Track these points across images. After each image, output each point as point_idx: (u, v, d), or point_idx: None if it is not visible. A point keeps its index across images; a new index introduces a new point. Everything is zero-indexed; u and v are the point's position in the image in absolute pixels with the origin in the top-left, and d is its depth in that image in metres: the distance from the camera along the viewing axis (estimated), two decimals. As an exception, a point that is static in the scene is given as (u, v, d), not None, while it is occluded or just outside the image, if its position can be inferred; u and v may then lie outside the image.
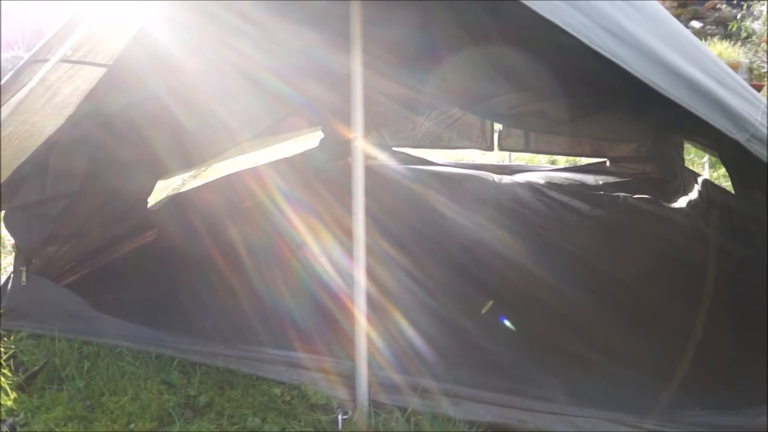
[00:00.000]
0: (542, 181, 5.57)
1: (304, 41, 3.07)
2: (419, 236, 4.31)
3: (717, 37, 11.03)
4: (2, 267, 4.01)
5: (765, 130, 1.83)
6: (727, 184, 4.85)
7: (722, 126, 1.79)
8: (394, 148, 6.47)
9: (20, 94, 2.51)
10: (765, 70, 9.25)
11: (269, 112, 3.85)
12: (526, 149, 6.32)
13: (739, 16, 10.91)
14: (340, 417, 2.38)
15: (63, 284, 3.25)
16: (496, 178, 5.78)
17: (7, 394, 2.53)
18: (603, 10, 1.84)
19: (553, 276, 3.53)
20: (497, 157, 6.94)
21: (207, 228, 4.16)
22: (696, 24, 11.80)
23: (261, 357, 2.70)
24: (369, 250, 2.44)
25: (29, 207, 3.10)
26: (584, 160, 6.49)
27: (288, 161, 5.58)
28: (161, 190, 4.87)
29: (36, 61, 2.48)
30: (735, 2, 11.85)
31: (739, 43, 10.39)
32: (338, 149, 5.58)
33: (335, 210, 4.11)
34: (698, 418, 2.25)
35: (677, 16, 10.67)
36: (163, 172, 4.06)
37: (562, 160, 7.09)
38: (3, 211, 3.20)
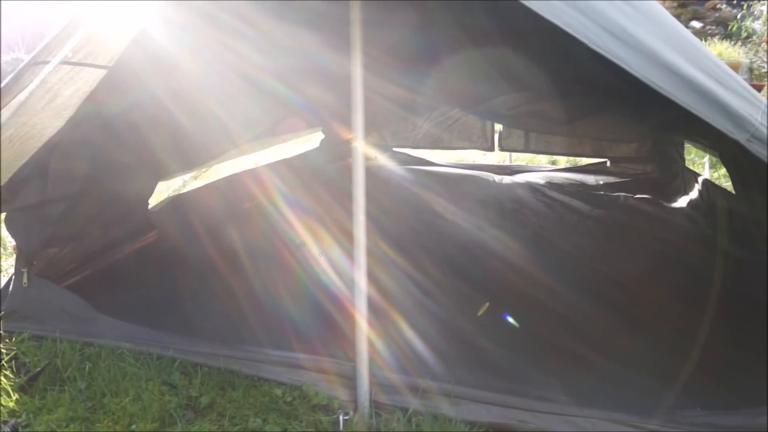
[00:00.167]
0: (543, 182, 5.58)
1: (302, 43, 3.08)
2: (419, 237, 4.31)
3: (717, 37, 11.03)
4: (3, 269, 4.01)
5: (765, 130, 1.83)
6: (727, 184, 4.85)
7: (722, 126, 1.80)
8: (395, 149, 6.48)
9: (21, 96, 2.52)
10: (765, 70, 9.25)
11: (268, 113, 3.86)
12: (527, 149, 6.33)
13: (739, 16, 10.91)
14: (341, 418, 2.38)
15: (64, 286, 3.26)
16: (497, 178, 5.79)
17: (8, 396, 2.53)
18: (603, 10, 1.85)
19: (553, 276, 3.54)
20: (498, 157, 6.94)
21: (207, 229, 4.16)
22: (696, 24, 11.80)
23: (262, 358, 2.70)
24: (369, 251, 2.44)
25: (30, 209, 3.10)
26: (585, 161, 6.50)
27: (287, 162, 5.58)
28: (162, 191, 4.87)
29: (36, 63, 2.49)
30: (735, 2, 11.85)
31: (740, 43, 10.39)
32: (337, 150, 5.59)
33: (335, 211, 4.11)
34: (699, 418, 2.24)
35: (677, 17, 10.68)
36: (164, 174, 4.07)
37: (563, 161, 7.09)
38: (4, 213, 3.20)
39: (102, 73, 2.89)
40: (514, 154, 6.79)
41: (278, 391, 2.53)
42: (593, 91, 3.00)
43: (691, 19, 11.91)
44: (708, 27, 11.69)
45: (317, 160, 5.72)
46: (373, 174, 5.55)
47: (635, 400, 2.46)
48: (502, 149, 6.39)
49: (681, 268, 3.69)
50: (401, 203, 4.91)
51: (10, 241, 4.18)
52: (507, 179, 5.75)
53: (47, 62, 2.46)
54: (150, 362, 2.72)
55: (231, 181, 5.05)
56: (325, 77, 3.55)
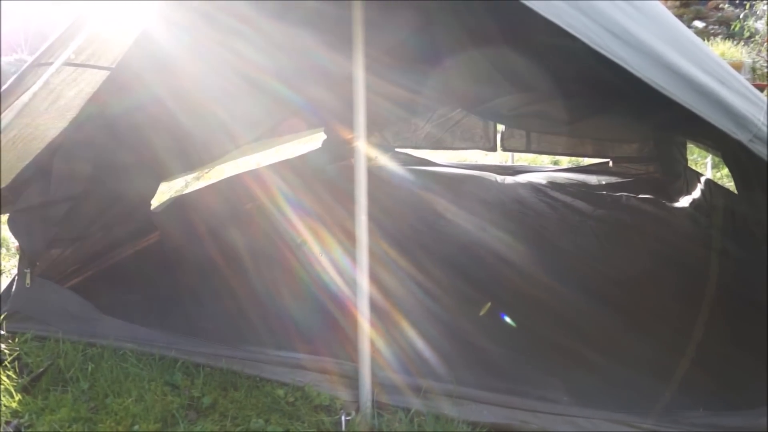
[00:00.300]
0: (545, 182, 5.58)
1: (304, 43, 3.08)
2: (421, 237, 4.31)
3: (720, 36, 11.02)
4: (6, 269, 4.02)
5: (767, 131, 1.83)
6: (730, 184, 4.84)
7: (725, 126, 1.79)
8: (397, 149, 6.48)
9: (24, 98, 2.52)
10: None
11: (270, 114, 3.86)
12: (529, 150, 6.32)
13: (741, 16, 10.90)
14: (343, 418, 2.38)
15: (67, 286, 3.26)
16: (499, 178, 5.79)
17: (11, 396, 2.54)
18: (604, 10, 1.84)
19: (555, 277, 3.53)
20: (500, 157, 6.94)
21: (209, 230, 4.17)
22: (699, 24, 11.79)
23: (264, 358, 2.70)
24: (371, 251, 2.44)
25: (33, 210, 3.11)
26: (587, 161, 6.50)
27: (289, 163, 5.59)
28: (164, 192, 4.88)
29: (39, 64, 2.49)
30: (738, 2, 11.84)
31: (742, 43, 10.38)
32: (339, 151, 5.59)
33: (336, 211, 4.11)
34: (700, 418, 2.24)
35: (680, 16, 10.67)
36: (166, 175, 4.07)
37: (565, 161, 7.09)
38: (7, 214, 3.21)
39: (105, 74, 2.90)
40: (516, 155, 6.78)
41: (280, 392, 2.53)
42: (595, 92, 3.00)
43: (693, 19, 11.91)
44: (710, 27, 11.68)
45: (319, 160, 5.73)
46: (374, 174, 5.55)
47: (637, 400, 2.45)
48: (504, 149, 6.39)
49: (683, 268, 3.69)
50: (403, 203, 4.91)
51: (13, 242, 4.20)
52: (509, 179, 5.75)
53: (50, 64, 2.47)
54: (152, 363, 2.73)
55: (233, 182, 5.06)
56: (327, 78, 3.55)
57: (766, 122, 1.86)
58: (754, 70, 9.22)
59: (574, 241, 4.30)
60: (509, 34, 2.84)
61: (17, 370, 2.70)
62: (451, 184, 5.56)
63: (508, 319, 3.12)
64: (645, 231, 4.43)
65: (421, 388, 2.46)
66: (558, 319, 3.13)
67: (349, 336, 2.69)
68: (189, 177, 5.26)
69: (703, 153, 6.19)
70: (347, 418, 2.38)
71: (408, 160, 6.34)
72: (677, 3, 12.00)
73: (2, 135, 2.62)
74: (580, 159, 6.74)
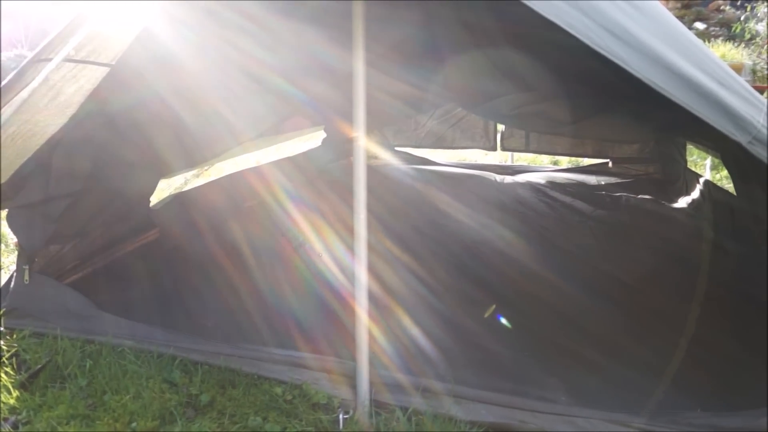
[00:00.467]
0: (544, 182, 5.57)
1: (307, 40, 3.07)
2: (421, 236, 4.31)
3: (720, 38, 11.02)
4: (5, 266, 4.02)
5: (766, 132, 1.83)
6: (729, 186, 4.84)
7: (724, 128, 1.79)
8: (397, 148, 6.47)
9: (23, 93, 2.52)
10: (768, 71, 9.25)
11: (272, 111, 3.86)
12: (529, 149, 6.31)
13: (742, 18, 10.91)
14: (341, 416, 2.38)
15: (66, 283, 3.26)
16: (498, 178, 5.78)
17: (9, 393, 2.54)
18: (605, 11, 1.84)
19: (555, 276, 3.53)
20: (500, 157, 6.94)
21: (209, 227, 4.17)
22: (700, 25, 11.79)
23: (262, 356, 2.71)
24: (371, 249, 2.45)
25: (32, 206, 3.11)
26: (587, 161, 6.49)
27: (290, 160, 5.58)
28: (164, 189, 4.88)
29: (39, 60, 2.49)
30: (739, 4, 11.84)
31: (743, 45, 10.38)
32: (341, 148, 5.58)
33: (338, 209, 4.11)
34: (699, 419, 2.25)
35: (681, 18, 10.67)
36: (166, 172, 4.07)
37: (565, 161, 7.09)
38: (6, 210, 3.20)
39: (105, 71, 2.89)
40: (516, 154, 6.78)
41: (278, 390, 2.53)
42: (595, 92, 2.99)
43: (694, 20, 11.90)
44: (711, 28, 11.68)
45: (320, 158, 5.72)
46: (375, 172, 5.55)
47: (636, 400, 2.45)
48: (504, 149, 6.38)
49: (682, 268, 3.69)
50: (403, 201, 4.91)
51: (12, 238, 4.19)
52: (509, 179, 5.75)
53: (50, 59, 2.47)
54: (151, 360, 2.73)
55: (233, 179, 5.05)
56: (330, 74, 3.55)
57: (765, 124, 1.86)
58: (754, 72, 9.22)
59: (574, 241, 4.30)
60: (510, 34, 2.83)
61: (15, 367, 2.70)
62: (451, 184, 5.55)
63: (504, 321, 3.11)
64: (644, 231, 4.42)
65: (420, 387, 2.47)
66: (557, 318, 3.13)
67: (348, 333, 2.69)
68: (188, 174, 5.26)
69: (703, 154, 6.19)
70: (345, 416, 2.38)
71: (408, 159, 6.34)
72: (678, 4, 12.00)
73: (2, 131, 2.62)
74: (580, 159, 6.73)
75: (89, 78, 2.88)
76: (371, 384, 2.44)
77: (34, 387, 2.59)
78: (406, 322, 3.02)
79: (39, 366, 2.69)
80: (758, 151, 1.81)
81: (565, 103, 3.13)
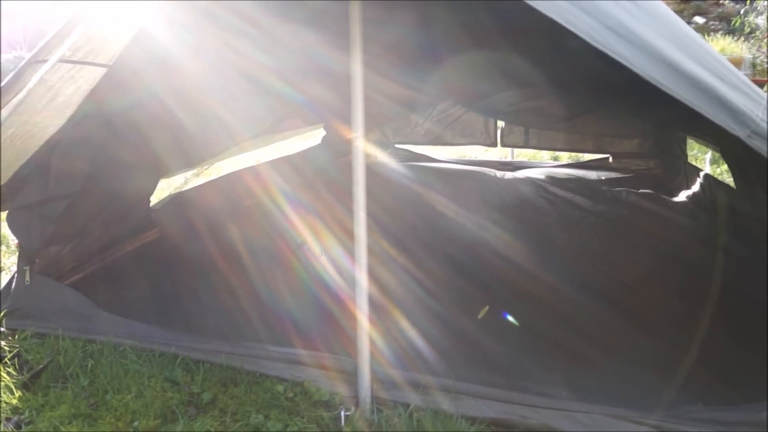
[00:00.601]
0: (545, 178, 5.56)
1: (304, 41, 3.07)
2: (420, 234, 4.30)
3: (720, 32, 11.00)
4: (6, 267, 4.03)
5: (766, 126, 1.83)
6: (729, 180, 4.84)
7: (723, 122, 1.79)
8: (397, 145, 6.47)
9: (21, 95, 2.52)
10: (768, 65, 9.24)
11: (269, 112, 3.86)
12: (529, 145, 6.31)
13: (742, 12, 10.89)
14: (342, 413, 2.39)
15: (66, 283, 3.27)
16: (499, 174, 5.77)
17: (11, 393, 2.54)
18: (603, 7, 1.85)
19: (555, 273, 3.53)
20: (499, 153, 6.93)
21: (208, 227, 4.17)
22: (699, 20, 11.77)
23: (264, 354, 2.71)
24: (369, 249, 2.45)
25: (31, 207, 3.11)
26: (587, 157, 6.48)
27: (289, 160, 5.58)
28: (164, 189, 4.88)
29: (37, 61, 2.49)
30: (738, -3, 11.83)
31: (743, 39, 10.36)
32: (339, 149, 5.58)
33: (336, 209, 4.11)
34: (700, 414, 2.25)
35: (680, 12, 10.65)
36: (164, 172, 4.07)
37: (565, 157, 7.08)
38: (5, 212, 3.21)
39: (102, 71, 2.89)
40: (516, 150, 6.77)
41: (280, 388, 2.54)
42: (594, 88, 3.00)
43: (693, 15, 11.88)
44: (711, 22, 11.66)
45: (319, 157, 5.72)
46: (374, 172, 5.54)
47: (636, 395, 2.46)
48: (504, 145, 6.37)
49: (683, 264, 3.68)
50: (402, 201, 4.90)
51: (12, 239, 4.20)
52: (509, 175, 5.74)
53: (47, 61, 2.47)
54: (152, 359, 2.73)
55: (232, 179, 5.05)
56: (327, 76, 3.54)
57: (764, 118, 1.86)
58: (754, 65, 9.21)
59: (574, 236, 4.30)
60: (508, 31, 2.83)
61: (17, 367, 2.71)
62: (451, 180, 5.54)
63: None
64: (645, 227, 4.41)
65: (420, 384, 2.47)
66: (558, 315, 3.13)
67: (348, 332, 2.69)
68: (188, 174, 5.26)
69: (703, 148, 6.18)
70: (346, 413, 2.39)
71: (408, 156, 6.33)
72: (677, -1, 11.98)
73: (1, 133, 2.62)
74: (580, 155, 6.72)
75: (87, 79, 2.88)
76: (372, 381, 2.44)
77: (37, 387, 2.60)
78: (406, 320, 3.02)
79: (41, 366, 2.69)
80: (757, 144, 1.81)
81: (562, 100, 3.13)
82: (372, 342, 2.50)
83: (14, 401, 2.51)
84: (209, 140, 3.65)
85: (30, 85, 2.51)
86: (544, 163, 6.57)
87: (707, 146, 4.95)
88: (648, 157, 5.75)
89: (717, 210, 4.19)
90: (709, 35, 10.68)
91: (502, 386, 2.48)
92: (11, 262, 4.04)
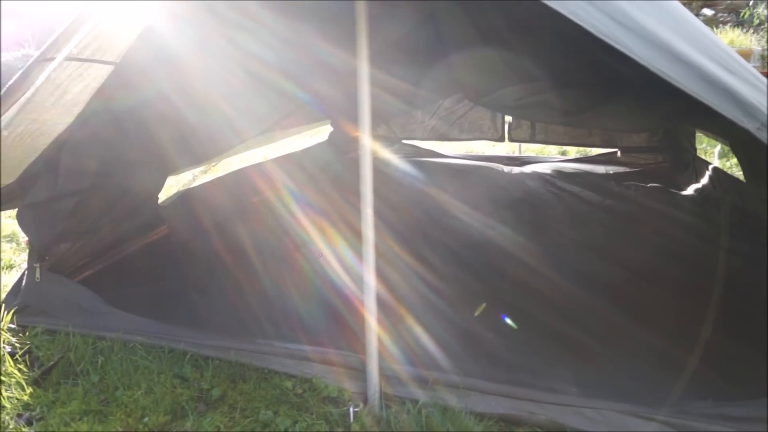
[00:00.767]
0: (553, 172, 5.55)
1: (309, 38, 3.07)
2: (427, 230, 4.31)
3: (729, 24, 10.92)
4: (17, 264, 4.05)
5: (775, 119, 1.81)
6: (739, 173, 4.81)
7: (732, 115, 1.78)
8: (404, 141, 6.46)
9: (29, 93, 2.54)
10: (778, 57, 9.15)
11: (275, 109, 3.87)
12: (537, 140, 6.29)
13: (751, 3, 10.78)
14: (351, 410, 2.39)
15: (76, 280, 3.29)
16: (506, 169, 5.76)
17: (23, 389, 2.56)
18: (610, -1, 1.83)
19: (563, 268, 3.52)
20: (507, 148, 6.92)
21: (216, 224, 4.18)
22: (708, 11, 11.68)
23: (272, 351, 2.72)
24: (376, 246, 2.44)
25: (41, 205, 3.13)
26: (595, 151, 6.46)
27: (296, 157, 5.59)
28: (172, 186, 4.89)
29: (45, 59, 2.50)
30: (747, -11, 11.71)
31: (752, 31, 10.28)
32: (344, 146, 5.59)
33: (342, 206, 4.11)
34: (710, 409, 2.24)
35: (688, 4, 10.56)
36: (172, 169, 4.09)
37: (573, 151, 7.05)
38: (16, 209, 3.23)
39: (110, 69, 2.90)
40: (524, 145, 6.76)
41: (288, 384, 2.54)
42: (601, 82, 2.97)
43: (702, 7, 11.79)
44: (719, 14, 11.57)
45: (325, 154, 5.72)
46: (379, 169, 5.54)
47: (645, 391, 2.45)
48: (511, 140, 6.36)
49: (691, 260, 3.66)
50: (409, 198, 4.90)
51: (23, 237, 4.23)
52: (516, 170, 5.73)
53: (55, 59, 2.48)
54: (162, 355, 2.75)
55: (239, 176, 5.07)
56: (332, 73, 3.54)
57: (774, 110, 1.84)
58: (763, 57, 9.12)
59: (582, 231, 4.29)
60: (514, 25, 2.82)
61: (28, 364, 2.73)
62: (458, 176, 5.54)
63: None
64: (654, 222, 4.40)
65: (429, 381, 2.47)
66: (566, 310, 3.12)
67: (355, 330, 2.69)
68: (196, 170, 5.28)
69: (712, 142, 6.14)
70: (355, 409, 2.39)
71: (415, 152, 6.33)
72: (686, -10, 11.89)
73: (10, 130, 2.64)
74: (588, 149, 6.70)
75: (95, 76, 2.89)
76: (380, 378, 2.45)
77: (47, 383, 2.62)
78: (414, 317, 3.02)
79: (51, 363, 2.71)
80: (766, 137, 1.79)
81: (570, 93, 3.11)
82: (380, 339, 2.50)
83: (25, 398, 2.53)
84: (216, 137, 3.66)
85: (38, 83, 2.53)
86: (552, 158, 6.55)
87: (716, 140, 4.92)
88: (656, 151, 5.73)
89: (725, 204, 4.17)
90: (717, 27, 10.60)
91: (509, 382, 2.48)
92: (22, 260, 4.07)
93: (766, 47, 9.47)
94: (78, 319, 2.98)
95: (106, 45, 2.73)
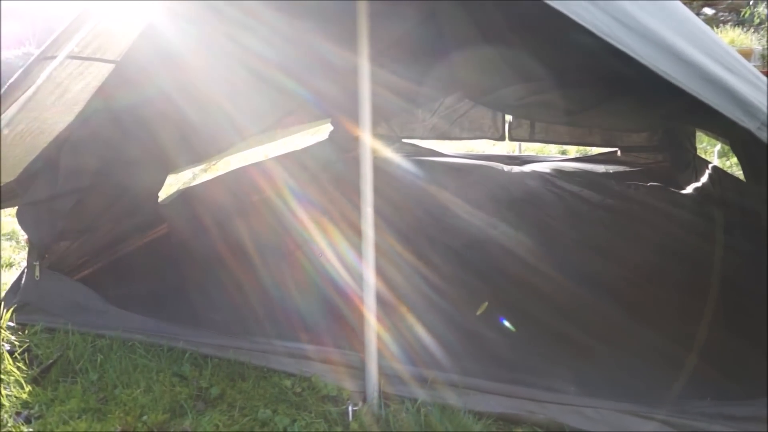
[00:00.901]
0: (553, 172, 5.54)
1: (310, 36, 3.07)
2: (427, 229, 4.30)
3: (729, 23, 10.91)
4: (16, 262, 4.05)
5: (776, 118, 1.80)
6: (739, 173, 4.80)
7: (733, 114, 1.77)
8: (404, 140, 6.46)
9: (30, 91, 2.53)
10: (778, 56, 9.15)
11: (275, 107, 3.86)
12: (537, 139, 6.28)
13: (751, 2, 10.78)
14: (350, 408, 2.39)
15: (76, 278, 3.29)
16: (506, 168, 5.76)
17: (21, 387, 2.56)
18: (611, -2, 1.83)
19: (562, 268, 3.52)
20: (507, 147, 6.91)
21: (216, 222, 4.18)
22: (708, 11, 11.67)
23: (271, 349, 2.72)
24: (376, 244, 2.44)
25: (41, 203, 3.13)
26: (595, 150, 6.45)
27: (296, 155, 5.58)
28: (172, 184, 4.89)
29: (46, 58, 2.50)
30: (748, -12, 11.71)
31: (752, 30, 10.27)
32: (345, 144, 5.58)
33: (343, 204, 4.11)
34: (709, 408, 2.23)
35: (689, 3, 10.56)
36: (172, 168, 4.08)
37: (573, 150, 7.05)
38: (15, 207, 3.23)
39: (111, 67, 2.90)
40: (524, 144, 6.75)
41: (287, 383, 2.54)
42: (602, 81, 2.97)
43: (702, 6, 11.79)
44: (720, 13, 11.56)
45: (326, 153, 5.71)
46: (380, 168, 5.54)
47: (644, 390, 2.45)
48: (512, 139, 6.35)
49: (690, 259, 3.66)
50: (409, 196, 4.90)
51: (22, 235, 4.23)
52: (516, 169, 5.72)
53: (56, 57, 2.48)
54: (161, 354, 2.75)
55: (239, 175, 5.06)
56: (333, 71, 3.54)
57: (774, 110, 1.83)
58: (764, 56, 9.12)
59: (582, 231, 4.28)
60: (516, 24, 2.82)
61: (27, 362, 2.73)
62: (458, 175, 5.54)
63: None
64: (654, 221, 4.39)
65: (428, 379, 2.47)
66: (565, 310, 3.12)
67: (355, 328, 2.69)
68: (196, 169, 5.27)
69: (712, 142, 6.14)
70: (354, 408, 2.39)
71: (415, 151, 6.32)
72: (686, -10, 11.87)
73: (11, 129, 2.64)
74: (589, 148, 6.69)
75: (95, 75, 2.89)
76: (379, 376, 2.45)
77: (46, 382, 2.62)
78: (413, 315, 3.02)
79: (50, 361, 2.71)
80: (767, 137, 1.78)
81: (571, 93, 3.11)
82: (379, 337, 2.50)
83: (24, 396, 2.53)
84: (216, 135, 3.65)
85: (39, 81, 2.53)
86: (552, 157, 6.54)
87: (716, 139, 4.91)
88: (657, 150, 5.71)
89: (725, 203, 4.17)
90: (718, 26, 10.59)
91: (509, 381, 2.48)
92: (21, 258, 4.07)
93: (766, 46, 9.46)
94: (77, 317, 2.98)
95: (107, 43, 2.72)
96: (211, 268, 3.64)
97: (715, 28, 10.17)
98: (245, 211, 4.57)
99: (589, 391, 2.43)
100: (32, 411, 2.45)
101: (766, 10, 10.45)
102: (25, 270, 3.18)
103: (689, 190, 4.88)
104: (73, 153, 3.10)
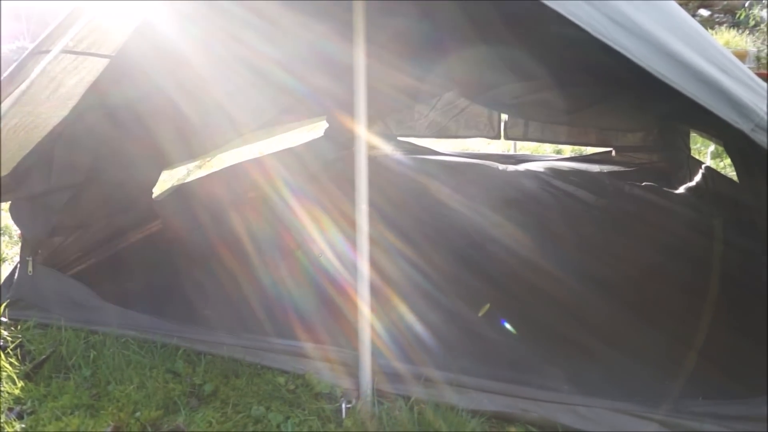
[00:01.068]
0: (547, 171, 5.55)
1: (308, 32, 3.06)
2: (423, 226, 4.31)
3: (725, 25, 10.95)
4: (9, 257, 4.03)
5: (770, 120, 1.81)
6: (733, 174, 4.82)
7: (727, 116, 1.78)
8: (399, 138, 6.46)
9: (24, 86, 2.52)
10: (773, 59, 9.19)
11: (273, 103, 3.85)
12: (530, 138, 6.29)
13: (747, 4, 10.82)
14: (343, 405, 2.39)
15: (69, 274, 3.27)
16: (501, 167, 5.76)
17: (14, 383, 2.55)
18: (607, -1, 1.83)
19: (557, 266, 3.53)
20: (502, 146, 6.92)
21: (211, 218, 4.17)
22: (704, 12, 11.71)
23: (265, 346, 2.71)
24: (373, 240, 2.45)
25: (34, 198, 3.11)
26: (590, 150, 6.47)
27: (292, 152, 5.58)
28: (166, 181, 4.88)
29: (40, 52, 2.49)
30: (743, -10, 11.75)
31: (747, 32, 10.31)
32: (343, 139, 5.58)
33: (339, 201, 4.11)
34: (701, 407, 2.24)
35: (685, 4, 10.59)
36: (167, 163, 4.07)
37: (568, 150, 7.06)
38: (9, 202, 3.21)
39: (105, 62, 2.89)
40: (519, 143, 6.76)
41: (281, 380, 2.54)
42: (597, 81, 2.98)
43: (698, 7, 11.82)
44: (716, 15, 11.60)
45: (322, 149, 5.71)
46: (377, 163, 5.55)
47: (638, 389, 2.46)
48: (507, 138, 6.36)
49: (686, 258, 3.68)
50: (405, 193, 4.91)
51: (15, 230, 4.21)
52: (511, 168, 5.73)
53: (50, 51, 2.46)
54: (154, 350, 2.74)
55: (235, 170, 5.05)
56: (332, 66, 3.54)
57: (768, 111, 1.84)
58: (758, 58, 9.17)
59: (577, 230, 4.29)
60: (513, 23, 2.82)
61: (19, 358, 2.72)
62: (453, 173, 5.54)
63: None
64: (648, 220, 4.41)
65: (422, 377, 2.47)
66: (561, 308, 3.13)
67: (350, 324, 2.69)
68: (191, 165, 5.26)
69: (706, 142, 6.16)
70: (348, 405, 2.39)
71: (410, 149, 6.32)
72: (682, -9, 11.91)
73: (4, 123, 2.62)
74: (583, 148, 6.71)
75: (90, 70, 2.87)
76: (373, 374, 2.45)
77: (39, 377, 2.61)
78: (409, 312, 3.02)
79: (43, 356, 2.70)
80: (761, 138, 1.79)
81: (566, 92, 3.12)
82: (374, 334, 2.50)
83: (16, 391, 2.52)
84: (212, 131, 3.64)
85: (33, 75, 2.51)
86: (547, 157, 6.56)
87: (710, 140, 4.93)
88: (651, 150, 5.74)
89: (719, 202, 4.18)
90: (713, 28, 10.63)
91: (504, 379, 2.48)
92: (14, 253, 4.05)
93: (761, 48, 9.51)
94: (70, 313, 2.97)
95: (101, 38, 2.71)
96: (205, 265, 3.64)
97: (710, 29, 10.20)
98: (240, 207, 4.56)
99: (585, 389, 2.44)
100: (25, 407, 2.45)
101: (761, 12, 10.49)
102: (18, 265, 3.17)
103: (683, 189, 4.89)
104: (67, 148, 3.08)
